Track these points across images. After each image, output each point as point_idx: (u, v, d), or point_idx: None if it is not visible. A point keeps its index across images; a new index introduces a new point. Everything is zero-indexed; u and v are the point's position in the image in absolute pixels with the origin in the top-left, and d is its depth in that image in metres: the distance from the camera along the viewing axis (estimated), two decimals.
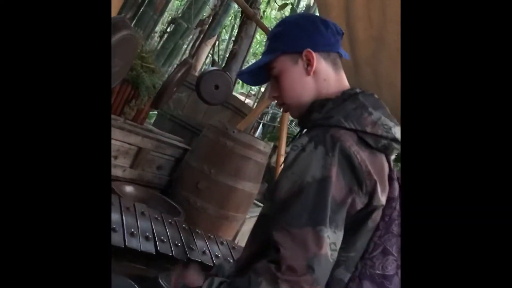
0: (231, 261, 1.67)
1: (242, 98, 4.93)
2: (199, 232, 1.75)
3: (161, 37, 4.46)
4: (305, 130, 1.00)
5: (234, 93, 3.84)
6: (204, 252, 1.60)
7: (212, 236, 1.78)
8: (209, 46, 4.55)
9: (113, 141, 1.94)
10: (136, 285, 1.26)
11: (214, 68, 2.11)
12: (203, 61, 4.68)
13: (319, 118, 0.92)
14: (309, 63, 0.97)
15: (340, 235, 0.83)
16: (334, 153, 0.83)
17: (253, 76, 1.09)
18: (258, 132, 5.84)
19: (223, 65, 2.25)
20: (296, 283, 0.79)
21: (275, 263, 0.81)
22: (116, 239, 1.37)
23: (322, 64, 0.98)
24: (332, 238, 0.81)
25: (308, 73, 0.97)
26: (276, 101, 1.07)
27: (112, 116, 2.11)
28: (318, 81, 0.98)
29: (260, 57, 1.06)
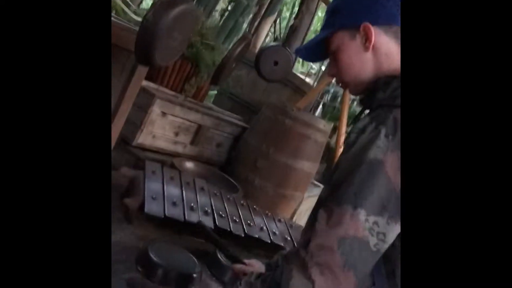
0: (289, 239, 1.66)
1: (302, 77, 4.84)
2: (257, 209, 1.75)
3: (221, 15, 4.47)
4: (367, 111, 0.95)
5: (294, 72, 3.77)
6: (261, 229, 1.60)
7: (269, 214, 1.78)
8: (269, 24, 4.49)
9: (174, 118, 1.98)
10: (195, 258, 1.28)
11: (273, 43, 2.06)
12: (263, 39, 4.64)
13: (384, 98, 0.87)
14: (367, 38, 0.91)
15: (396, 228, 0.77)
16: (395, 137, 0.78)
17: (311, 52, 1.04)
18: (318, 112, 5.73)
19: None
20: (326, 265, 0.75)
21: (306, 243, 0.78)
22: (176, 212, 1.40)
23: (383, 38, 0.91)
24: (382, 227, 0.76)
25: (366, 49, 0.92)
26: (335, 79, 1.02)
27: (173, 93, 2.14)
28: (379, 57, 0.92)
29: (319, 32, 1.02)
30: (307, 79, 5.62)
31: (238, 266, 1.22)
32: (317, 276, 0.75)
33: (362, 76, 0.94)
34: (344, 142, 0.90)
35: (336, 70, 0.98)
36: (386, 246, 0.78)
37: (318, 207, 0.93)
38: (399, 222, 0.77)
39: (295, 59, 3.93)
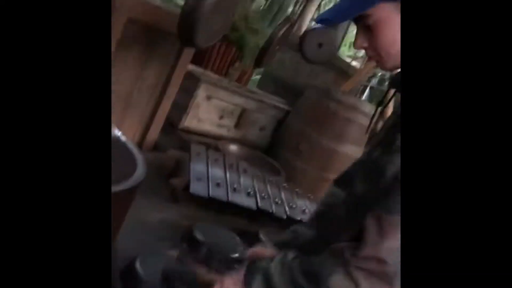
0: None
1: (348, 60, 4.73)
2: (299, 192, 1.76)
3: None
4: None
5: (339, 55, 3.69)
6: (303, 211, 1.61)
7: (312, 197, 1.78)
8: (315, 7, 4.40)
9: (218, 101, 2.01)
10: (237, 237, 1.31)
11: (318, 25, 2.03)
12: (308, 22, 4.56)
13: None
14: None
15: None
16: None
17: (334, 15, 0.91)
18: (364, 96, 5.60)
19: None
20: (373, 273, 0.74)
21: (354, 247, 0.77)
22: (220, 193, 1.44)
23: None
24: None
25: None
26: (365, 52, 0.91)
27: (217, 77, 2.17)
28: None
29: None
30: (354, 63, 5.48)
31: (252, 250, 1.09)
32: (362, 280, 0.74)
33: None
34: (388, 139, 0.84)
35: (370, 43, 0.87)
36: None
37: (357, 204, 0.89)
38: None
39: (341, 43, 3.84)
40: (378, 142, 0.91)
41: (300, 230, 1.09)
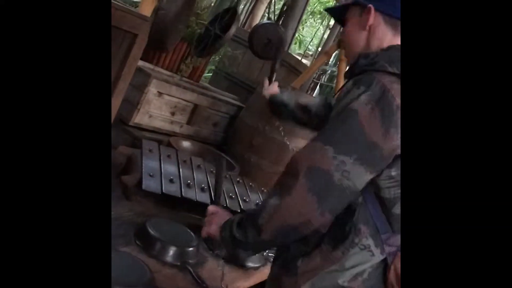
0: None
1: (298, 58, 4.82)
2: (253, 186, 1.78)
3: None
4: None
5: (290, 52, 3.76)
6: (257, 205, 1.63)
7: (265, 190, 1.81)
8: (265, 4, 4.46)
9: (170, 98, 1.99)
10: (192, 233, 1.31)
11: (267, 21, 2.07)
12: (259, 20, 4.61)
13: (364, 63, 0.96)
14: (367, 18, 1.01)
15: (361, 170, 0.86)
16: (374, 93, 0.87)
17: (337, 14, 1.17)
18: (315, 93, 5.74)
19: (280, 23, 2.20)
20: (293, 187, 0.86)
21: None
22: (173, 189, 1.44)
23: (380, 24, 1.01)
24: (348, 166, 0.85)
25: (363, 28, 1.02)
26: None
27: (169, 73, 2.15)
28: (372, 38, 1.02)
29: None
30: (304, 61, 5.60)
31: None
32: (283, 195, 0.87)
33: (354, 50, 1.06)
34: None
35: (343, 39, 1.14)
36: (351, 184, 0.86)
37: None
38: (369, 170, 0.87)
39: (292, 40, 3.92)
40: None
41: None
